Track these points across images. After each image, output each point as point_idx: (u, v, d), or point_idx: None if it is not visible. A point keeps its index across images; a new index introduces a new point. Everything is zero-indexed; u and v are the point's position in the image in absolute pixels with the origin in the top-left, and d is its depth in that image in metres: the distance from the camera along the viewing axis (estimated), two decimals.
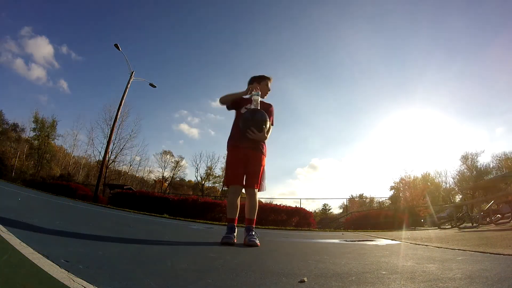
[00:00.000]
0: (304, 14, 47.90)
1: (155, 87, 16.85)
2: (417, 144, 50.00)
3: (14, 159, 27.48)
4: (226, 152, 2.78)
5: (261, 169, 2.66)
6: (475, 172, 29.76)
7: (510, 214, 7.35)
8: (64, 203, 7.79)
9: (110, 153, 23.20)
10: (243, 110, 2.69)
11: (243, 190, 2.64)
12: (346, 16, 48.58)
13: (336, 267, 1.51)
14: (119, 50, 14.68)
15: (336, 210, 33.05)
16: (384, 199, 28.34)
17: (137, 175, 34.78)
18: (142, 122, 37.80)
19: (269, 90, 2.85)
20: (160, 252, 1.79)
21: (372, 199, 30.59)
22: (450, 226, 8.57)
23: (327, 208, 35.91)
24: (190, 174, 58.35)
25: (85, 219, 4.08)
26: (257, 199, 2.63)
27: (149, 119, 50.63)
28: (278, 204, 12.92)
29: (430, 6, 42.70)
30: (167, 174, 35.32)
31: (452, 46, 42.90)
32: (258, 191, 2.64)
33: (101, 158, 21.44)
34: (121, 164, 28.14)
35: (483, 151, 31.40)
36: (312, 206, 36.67)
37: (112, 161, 25.24)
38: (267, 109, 2.71)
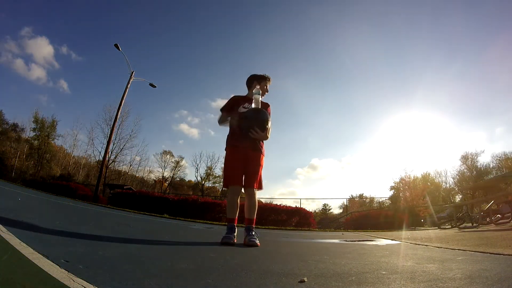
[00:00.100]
0: (304, 15, 47.90)
1: (155, 87, 16.87)
2: (417, 144, 50.08)
3: (14, 159, 27.48)
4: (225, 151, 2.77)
5: (260, 169, 2.67)
6: (475, 172, 29.77)
7: (510, 214, 7.34)
8: (64, 203, 7.79)
9: (110, 153, 23.21)
10: (241, 109, 2.68)
11: (243, 190, 2.64)
12: (346, 17, 48.65)
13: (336, 267, 1.51)
14: (119, 50, 14.70)
15: (336, 210, 33.08)
16: (384, 199, 28.38)
17: (137, 175, 34.79)
18: (142, 122, 37.73)
19: (267, 92, 2.83)
20: (160, 252, 1.79)
21: (372, 199, 30.62)
22: (450, 226, 8.57)
23: (327, 208, 35.92)
24: (190, 174, 58.24)
25: (85, 219, 4.08)
26: (257, 198, 2.63)
27: (149, 119, 50.64)
28: (278, 204, 12.94)
29: (430, 7, 42.70)
30: (167, 174, 35.37)
31: (452, 46, 42.89)
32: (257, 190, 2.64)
33: (101, 158, 21.46)
34: (121, 164, 28.18)
35: (483, 151, 31.43)
36: (312, 206, 36.73)
37: (112, 161, 25.25)
38: (265, 108, 2.71)
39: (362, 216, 14.39)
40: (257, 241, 2.43)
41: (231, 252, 1.98)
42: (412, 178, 29.55)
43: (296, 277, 1.18)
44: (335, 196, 59.58)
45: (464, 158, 31.02)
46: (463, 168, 31.03)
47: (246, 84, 2.84)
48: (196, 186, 35.72)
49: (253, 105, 2.61)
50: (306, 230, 9.21)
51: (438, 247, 2.68)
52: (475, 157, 30.63)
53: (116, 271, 1.10)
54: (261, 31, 51.76)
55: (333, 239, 4.43)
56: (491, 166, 30.10)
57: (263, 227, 8.62)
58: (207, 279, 1.09)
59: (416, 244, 3.17)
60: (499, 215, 7.78)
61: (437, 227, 8.89)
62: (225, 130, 2.81)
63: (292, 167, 51.98)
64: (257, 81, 2.77)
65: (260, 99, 2.64)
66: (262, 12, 50.67)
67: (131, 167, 31.52)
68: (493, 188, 9.31)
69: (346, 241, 4.06)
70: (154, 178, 35.88)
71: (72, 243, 1.68)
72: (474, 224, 7.61)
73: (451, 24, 42.23)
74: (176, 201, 12.49)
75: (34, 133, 29.76)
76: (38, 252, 1.18)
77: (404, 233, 6.78)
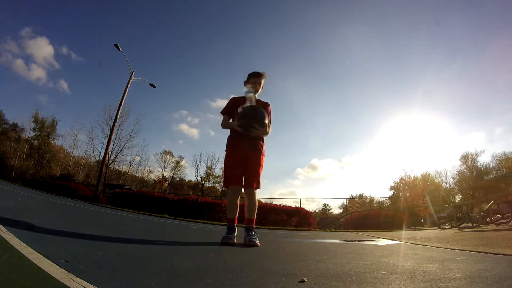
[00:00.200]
0: (304, 15, 47.96)
1: (155, 87, 16.88)
2: (417, 144, 50.09)
3: (14, 159, 27.50)
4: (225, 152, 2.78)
5: (260, 169, 2.67)
6: (475, 172, 29.76)
7: (510, 214, 7.35)
8: (64, 203, 7.79)
9: (110, 153, 23.24)
10: (239, 110, 2.68)
11: (243, 190, 2.65)
12: (346, 17, 48.67)
13: (336, 267, 1.51)
14: (119, 50, 14.70)
15: (336, 210, 33.11)
16: (384, 199, 28.37)
17: (137, 175, 34.82)
18: (142, 122, 37.68)
19: (260, 87, 2.74)
20: (160, 252, 1.79)
21: (372, 199, 30.61)
22: (450, 226, 8.57)
23: (327, 208, 35.94)
24: (190, 174, 58.31)
25: (85, 219, 4.08)
26: (257, 198, 2.63)
27: (149, 119, 50.73)
28: (278, 204, 12.94)
29: (430, 7, 42.69)
30: (167, 174, 35.39)
31: (452, 46, 42.92)
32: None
33: (101, 158, 21.49)
34: (121, 164, 28.23)
35: (483, 151, 31.40)
36: (312, 206, 36.72)
37: (112, 161, 25.28)
38: (264, 107, 2.72)
39: (362, 216, 14.40)
40: (257, 241, 2.43)
41: (231, 252, 1.98)
42: (412, 178, 29.57)
43: (296, 277, 1.18)
44: (335, 196, 59.74)
45: (464, 158, 31.05)
46: (463, 168, 31.08)
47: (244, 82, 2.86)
48: (196, 186, 35.73)
49: (247, 104, 2.61)
50: (306, 230, 9.20)
51: (438, 247, 2.68)
52: (475, 157, 30.68)
53: (116, 271, 1.10)
54: (261, 31, 51.83)
55: (333, 239, 4.43)
56: (491, 166, 30.16)
57: (263, 227, 8.62)
58: (207, 279, 1.09)
59: (416, 244, 3.17)
60: (499, 215, 7.78)
61: (437, 227, 8.89)
62: (226, 130, 2.81)
63: (292, 167, 52.06)
64: (249, 79, 2.75)
65: (256, 95, 2.64)
66: (262, 12, 50.73)
67: (131, 167, 31.61)
68: (493, 188, 9.30)
69: (346, 241, 4.06)
70: (154, 178, 35.93)
71: (72, 243, 1.68)
72: (474, 224, 7.60)
73: (451, 24, 42.29)
74: (176, 201, 12.49)
75: (34, 133, 29.82)
76: (38, 252, 1.18)
77: (404, 233, 6.78)
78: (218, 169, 33.44)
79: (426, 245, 2.92)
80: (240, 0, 52.29)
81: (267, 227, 8.95)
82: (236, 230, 2.55)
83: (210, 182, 35.68)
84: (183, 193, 28.79)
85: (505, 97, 40.43)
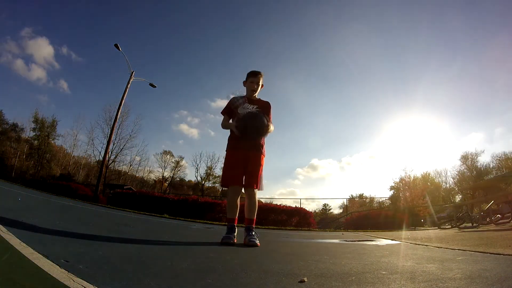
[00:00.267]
0: (304, 15, 47.93)
1: (155, 87, 16.89)
2: (417, 144, 50.05)
3: (14, 159, 27.50)
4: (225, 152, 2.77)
5: (260, 169, 2.67)
6: (475, 172, 29.77)
7: (510, 214, 7.35)
8: (64, 203, 7.79)
9: (110, 153, 23.24)
10: (241, 110, 2.67)
11: (243, 190, 2.64)
12: (346, 16, 48.62)
13: (336, 267, 1.51)
14: (119, 50, 14.70)
15: (336, 210, 33.13)
16: (384, 199, 28.34)
17: (137, 175, 34.83)
18: (142, 122, 37.70)
19: (258, 86, 2.74)
20: (160, 252, 1.79)
21: (372, 199, 30.59)
22: (450, 226, 8.57)
23: (327, 208, 35.96)
24: (190, 174, 58.38)
25: (85, 219, 4.08)
26: (257, 199, 2.63)
27: (149, 119, 50.81)
28: (278, 204, 12.95)
29: (429, 7, 42.68)
30: (167, 174, 35.39)
31: (451, 46, 42.92)
32: (257, 190, 2.64)
33: (101, 158, 21.50)
34: (121, 164, 28.22)
35: (483, 151, 31.45)
36: (312, 206, 36.78)
37: (112, 161, 25.27)
38: (264, 107, 2.71)
39: (362, 216, 14.40)
40: (257, 241, 2.43)
41: (231, 252, 1.98)
42: (412, 178, 29.53)
43: (296, 277, 1.18)
44: (335, 196, 59.80)
45: (464, 158, 31.07)
46: (463, 168, 31.10)
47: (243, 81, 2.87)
48: (196, 186, 35.73)
49: (245, 108, 2.64)
50: (306, 230, 9.20)
51: (438, 247, 2.68)
52: (475, 157, 30.71)
53: (116, 271, 1.10)
54: (260, 30, 51.82)
55: (333, 239, 4.43)
56: (491, 166, 30.17)
57: (263, 227, 8.62)
58: (207, 279, 1.09)
59: (416, 244, 3.17)
60: (499, 215, 7.79)
61: (437, 227, 8.89)
62: (226, 131, 2.81)
63: (292, 167, 52.07)
64: (247, 79, 2.75)
65: (256, 94, 2.68)
66: (262, 12, 50.72)
67: (131, 167, 31.62)
68: (493, 188, 9.31)
69: (346, 241, 4.06)
70: (154, 178, 35.92)
71: (72, 243, 1.68)
72: (474, 224, 7.61)
73: (451, 24, 42.27)
74: (176, 201, 12.49)
75: (34, 133, 29.83)
76: (38, 252, 1.18)
77: (404, 233, 6.78)
78: (218, 169, 33.47)
79: (426, 245, 2.92)
80: (240, 0, 52.30)
81: (267, 227, 8.95)
82: (236, 230, 2.55)
83: (210, 182, 35.71)
84: (183, 193, 28.77)
85: (505, 97, 40.46)
